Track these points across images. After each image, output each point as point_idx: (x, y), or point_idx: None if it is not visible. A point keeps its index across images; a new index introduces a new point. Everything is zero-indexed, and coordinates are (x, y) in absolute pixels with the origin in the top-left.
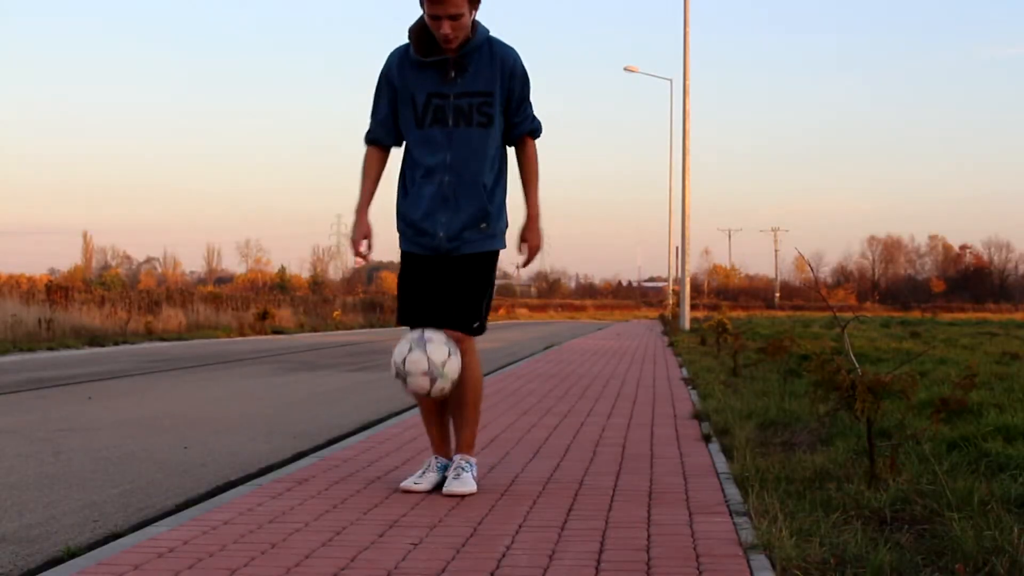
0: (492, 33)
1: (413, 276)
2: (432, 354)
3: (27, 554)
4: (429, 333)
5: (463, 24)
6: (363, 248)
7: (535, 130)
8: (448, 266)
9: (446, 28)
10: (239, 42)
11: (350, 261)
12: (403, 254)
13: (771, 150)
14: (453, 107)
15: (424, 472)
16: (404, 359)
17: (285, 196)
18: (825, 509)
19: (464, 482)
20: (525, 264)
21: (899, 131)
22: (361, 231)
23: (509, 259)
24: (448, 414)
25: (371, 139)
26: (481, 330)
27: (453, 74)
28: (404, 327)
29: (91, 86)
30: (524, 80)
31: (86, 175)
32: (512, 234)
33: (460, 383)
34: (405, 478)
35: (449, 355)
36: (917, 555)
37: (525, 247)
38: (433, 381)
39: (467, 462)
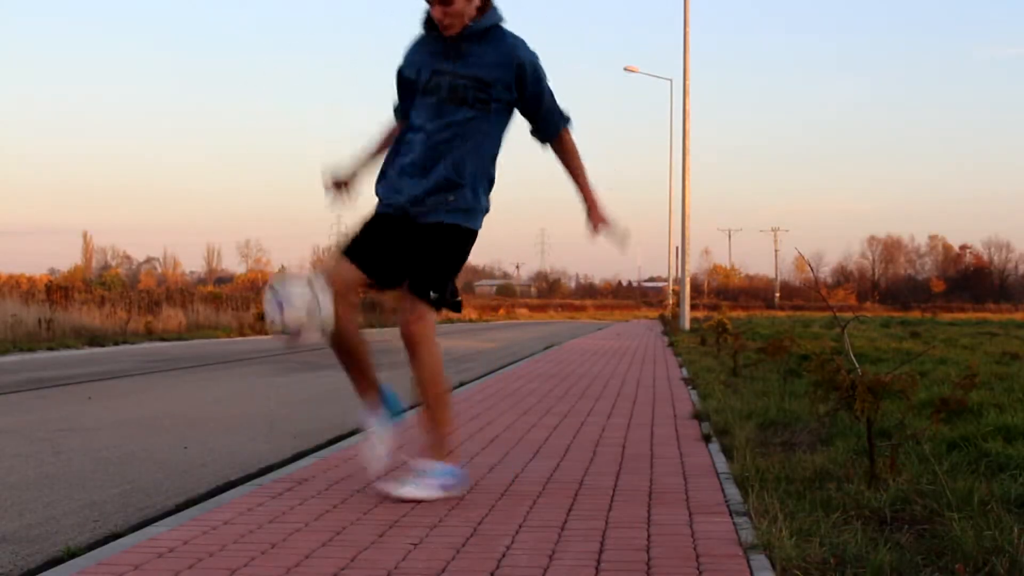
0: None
1: (375, 228)
2: (286, 311)
3: (27, 554)
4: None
5: (456, 11)
6: (333, 188)
7: (567, 121)
8: (413, 234)
9: (437, 12)
10: (239, 42)
11: None
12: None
13: (771, 150)
14: (449, 84)
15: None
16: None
17: (285, 196)
18: (825, 509)
19: (402, 485)
20: (604, 229)
21: (899, 131)
22: (343, 175)
23: (510, 259)
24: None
25: (394, 112)
26: (440, 303)
27: (452, 55)
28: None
29: (91, 86)
30: (535, 76)
31: (86, 175)
32: (581, 224)
33: (415, 376)
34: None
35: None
36: (917, 555)
37: (597, 225)
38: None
39: (424, 469)
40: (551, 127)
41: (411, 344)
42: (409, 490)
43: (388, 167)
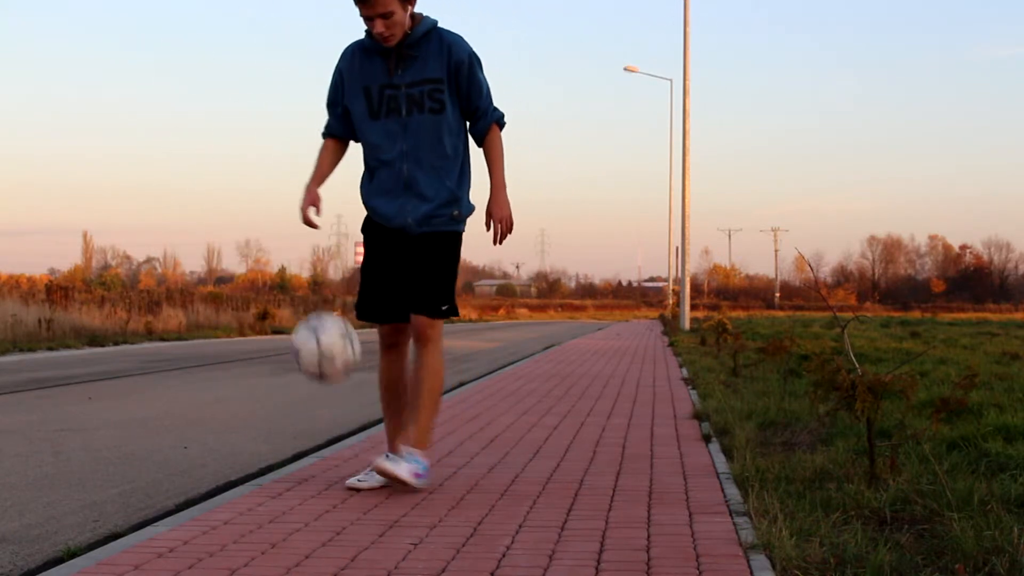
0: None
1: (375, 261)
2: (322, 336)
3: (27, 554)
4: (323, 320)
5: (396, 21)
6: (311, 214)
7: (498, 120)
8: (412, 248)
9: (379, 27)
10: (239, 42)
11: (350, 261)
12: (366, 236)
13: (771, 150)
14: (405, 96)
15: (370, 470)
16: (298, 343)
17: (285, 196)
18: (825, 509)
19: (395, 463)
20: (498, 240)
21: (899, 131)
22: (308, 199)
23: (510, 259)
24: (403, 409)
25: (327, 133)
26: (450, 312)
27: (400, 68)
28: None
29: (91, 86)
30: (470, 73)
31: (86, 175)
32: (479, 214)
33: (416, 371)
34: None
35: (343, 337)
36: (917, 555)
37: (492, 221)
38: (319, 364)
39: (410, 455)
40: (482, 123)
41: (423, 343)
42: (389, 464)
43: (373, 195)
